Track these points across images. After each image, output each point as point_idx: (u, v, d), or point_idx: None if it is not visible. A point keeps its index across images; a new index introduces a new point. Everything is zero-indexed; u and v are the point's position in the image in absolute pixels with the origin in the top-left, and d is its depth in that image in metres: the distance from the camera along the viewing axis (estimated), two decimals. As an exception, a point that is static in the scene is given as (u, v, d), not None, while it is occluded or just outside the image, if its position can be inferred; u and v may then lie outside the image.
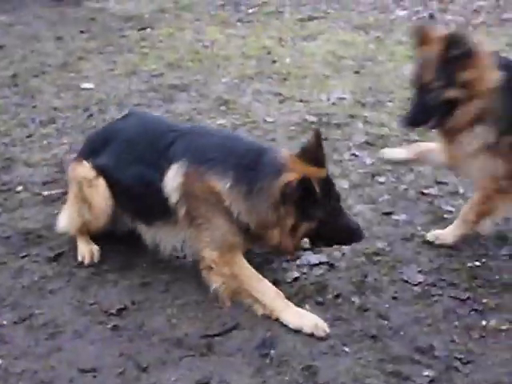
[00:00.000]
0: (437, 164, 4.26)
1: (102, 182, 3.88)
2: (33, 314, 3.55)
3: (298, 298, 3.56)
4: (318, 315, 3.39)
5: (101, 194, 3.88)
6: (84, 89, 6.77)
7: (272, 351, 3.21)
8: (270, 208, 3.42)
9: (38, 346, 3.34)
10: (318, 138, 3.51)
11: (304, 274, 3.78)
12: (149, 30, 8.77)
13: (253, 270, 3.57)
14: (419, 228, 4.17)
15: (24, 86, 6.91)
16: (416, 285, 3.66)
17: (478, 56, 3.58)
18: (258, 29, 8.60)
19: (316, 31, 8.31)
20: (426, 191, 4.61)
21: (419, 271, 3.77)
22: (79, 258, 3.96)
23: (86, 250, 3.98)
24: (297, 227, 3.43)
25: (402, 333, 3.31)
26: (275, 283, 3.63)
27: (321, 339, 3.26)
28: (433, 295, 3.57)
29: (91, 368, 3.18)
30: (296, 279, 3.72)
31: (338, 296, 3.58)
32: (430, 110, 3.65)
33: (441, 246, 3.97)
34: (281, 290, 3.55)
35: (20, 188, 4.82)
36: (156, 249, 3.89)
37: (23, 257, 4.01)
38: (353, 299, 3.56)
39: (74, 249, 4.02)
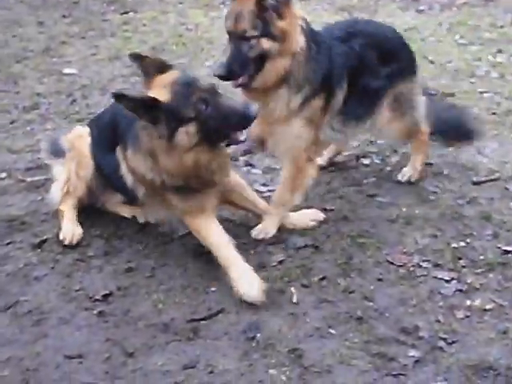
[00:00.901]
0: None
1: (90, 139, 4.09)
2: (18, 301, 3.54)
3: (283, 280, 3.56)
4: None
5: (88, 147, 4.05)
6: (67, 74, 6.71)
7: (258, 335, 3.22)
8: (144, 140, 3.47)
9: (23, 333, 3.33)
10: (137, 57, 3.46)
11: (289, 256, 3.77)
12: (132, 13, 8.68)
13: (218, 233, 3.61)
14: (404, 209, 4.18)
15: (6, 71, 6.84)
16: (401, 266, 3.67)
17: (292, 9, 3.59)
18: (241, 11, 8.52)
19: (300, 13, 8.25)
20: (410, 173, 4.60)
21: (404, 252, 3.78)
22: (60, 237, 3.96)
23: (69, 231, 3.99)
24: (172, 139, 3.32)
25: (387, 314, 3.33)
26: (260, 266, 3.65)
27: (302, 320, 3.27)
28: (417, 276, 3.58)
29: (77, 354, 3.18)
30: (281, 262, 3.72)
31: (323, 278, 3.59)
32: (245, 62, 3.58)
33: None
34: (266, 273, 3.58)
35: (3, 175, 4.78)
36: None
37: (7, 244, 3.99)
38: (338, 281, 3.57)
39: (58, 235, 4.00)
